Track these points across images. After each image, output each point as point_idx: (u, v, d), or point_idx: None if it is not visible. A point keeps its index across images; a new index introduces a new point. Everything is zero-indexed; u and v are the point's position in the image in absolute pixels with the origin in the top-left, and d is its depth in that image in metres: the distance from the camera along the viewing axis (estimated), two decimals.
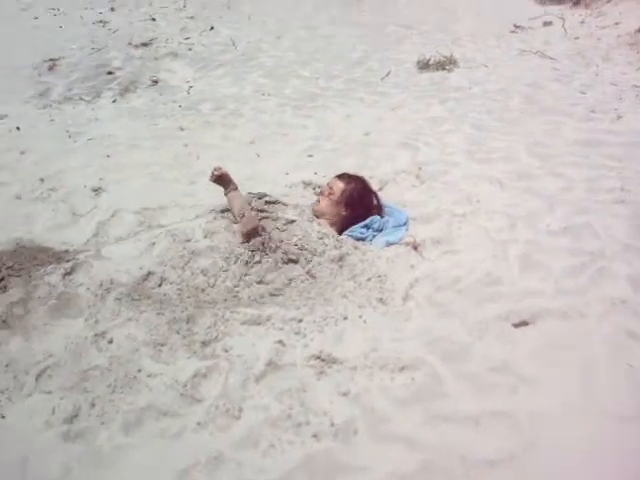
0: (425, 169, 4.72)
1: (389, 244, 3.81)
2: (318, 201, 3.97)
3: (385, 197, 4.29)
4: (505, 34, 8.23)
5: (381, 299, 3.37)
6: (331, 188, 3.93)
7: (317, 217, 3.86)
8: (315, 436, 2.61)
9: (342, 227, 3.89)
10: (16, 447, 2.63)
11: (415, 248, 3.78)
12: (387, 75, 6.81)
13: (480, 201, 4.29)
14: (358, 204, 3.91)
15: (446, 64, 6.98)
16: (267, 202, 3.88)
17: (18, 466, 2.55)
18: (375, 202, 4.04)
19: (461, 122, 5.58)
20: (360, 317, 3.25)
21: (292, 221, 3.71)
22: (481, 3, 9.75)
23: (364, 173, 4.56)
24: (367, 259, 3.64)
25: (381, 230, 3.92)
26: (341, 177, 4.00)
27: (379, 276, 3.52)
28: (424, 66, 6.98)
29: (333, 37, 8.31)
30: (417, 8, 9.52)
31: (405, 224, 4.01)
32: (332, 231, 3.78)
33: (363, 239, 3.84)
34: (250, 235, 3.50)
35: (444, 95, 6.25)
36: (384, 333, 3.15)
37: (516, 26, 8.42)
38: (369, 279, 3.49)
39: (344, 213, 3.88)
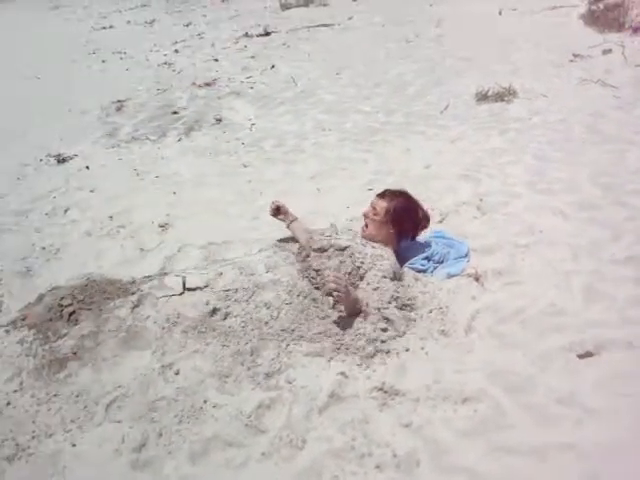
0: (486, 200, 4.71)
1: (450, 276, 3.81)
2: (366, 225, 3.91)
3: (446, 229, 4.30)
4: (564, 63, 8.16)
5: (443, 331, 3.38)
6: (374, 209, 3.87)
7: (365, 237, 3.86)
8: (378, 467, 2.63)
9: (394, 246, 3.87)
10: (86, 474, 2.73)
11: (477, 279, 3.77)
12: (446, 108, 6.84)
13: (543, 232, 4.25)
14: (405, 219, 3.87)
15: (505, 95, 6.96)
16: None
17: None
18: (421, 214, 3.99)
19: (522, 153, 5.55)
20: (422, 349, 3.26)
21: (346, 247, 3.73)
22: (539, 33, 9.69)
23: (425, 205, 4.59)
24: (428, 291, 3.65)
25: (442, 262, 3.93)
26: (382, 196, 3.93)
27: (440, 308, 3.53)
28: (483, 97, 6.97)
29: (392, 72, 8.39)
30: (475, 40, 9.53)
31: (466, 255, 4.01)
32: (389, 252, 3.79)
33: (424, 271, 3.85)
34: (353, 315, 3.40)
35: (504, 126, 6.23)
36: (446, 365, 3.14)
37: (575, 55, 8.34)
38: (431, 311, 3.50)
39: (392, 231, 3.85)
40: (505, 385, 3.00)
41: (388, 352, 3.21)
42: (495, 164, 5.38)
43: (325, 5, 13.31)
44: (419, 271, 3.83)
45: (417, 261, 3.88)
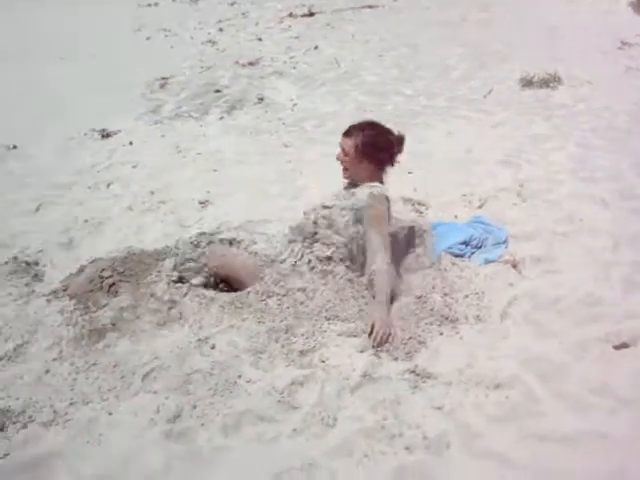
0: (527, 187, 4.67)
1: (488, 261, 3.79)
2: (345, 169, 3.71)
3: (485, 214, 4.27)
4: (611, 51, 8.01)
5: (478, 316, 3.36)
6: (343, 150, 3.66)
7: (355, 184, 3.71)
8: (408, 448, 2.63)
9: (380, 177, 3.71)
10: (121, 442, 2.77)
11: (514, 266, 3.75)
12: (489, 93, 6.77)
13: (583, 220, 4.21)
14: (377, 149, 3.63)
15: (550, 81, 6.86)
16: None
17: (123, 460, 2.69)
18: (392, 138, 3.71)
19: (565, 140, 5.48)
20: (457, 333, 3.25)
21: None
22: (586, 20, 9.53)
23: (465, 190, 4.58)
24: (465, 276, 3.64)
25: (480, 247, 3.91)
26: (347, 134, 3.67)
27: (477, 293, 3.52)
28: (527, 83, 6.89)
29: (435, 55, 8.32)
30: (521, 25, 9.40)
31: (505, 242, 3.98)
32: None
33: (461, 255, 3.84)
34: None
35: (547, 112, 6.15)
36: (480, 350, 3.13)
37: (623, 42, 8.18)
38: (467, 296, 3.49)
39: (370, 165, 3.65)
40: (539, 372, 2.97)
41: (424, 342, 3.20)
42: (537, 150, 5.33)
43: None
44: (457, 255, 3.82)
45: (455, 245, 3.87)
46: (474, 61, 7.92)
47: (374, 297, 3.37)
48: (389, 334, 3.20)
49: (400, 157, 3.77)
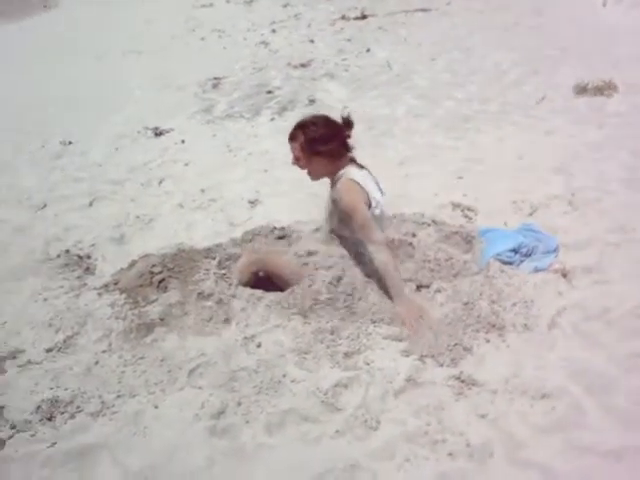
0: (578, 195, 4.59)
1: (537, 270, 3.75)
2: (308, 172, 3.63)
3: (536, 222, 4.22)
4: None
5: (526, 325, 3.32)
6: (294, 155, 3.57)
7: (315, 180, 3.67)
8: (450, 454, 2.62)
9: (339, 166, 3.56)
10: (166, 436, 2.84)
11: (564, 275, 3.69)
12: (542, 99, 6.68)
13: (636, 230, 4.12)
14: (323, 142, 3.47)
15: (605, 89, 6.73)
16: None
17: (167, 453, 2.75)
18: (334, 124, 3.54)
19: (619, 149, 5.37)
20: (503, 341, 3.22)
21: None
22: None
23: (515, 197, 4.54)
24: (513, 283, 3.61)
25: (529, 255, 3.86)
26: (290, 138, 3.57)
27: (525, 301, 3.48)
28: (581, 90, 6.77)
29: (488, 59, 8.24)
30: (576, 30, 9.24)
31: (555, 250, 3.93)
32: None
33: (510, 263, 3.80)
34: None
35: (602, 121, 6.04)
36: (527, 359, 3.10)
37: None
38: (514, 304, 3.45)
39: (323, 159, 3.51)
40: (586, 384, 2.93)
41: (469, 349, 3.18)
42: (590, 159, 5.23)
43: None
44: (505, 263, 3.78)
45: (504, 252, 3.82)
46: (527, 66, 7.82)
47: (389, 291, 3.41)
48: (420, 315, 3.29)
49: (352, 138, 3.64)
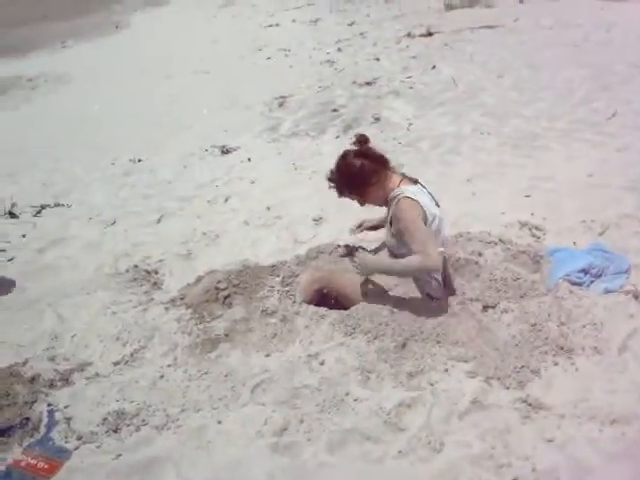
0: None
1: (608, 291, 3.65)
2: (369, 204, 3.64)
3: (606, 242, 4.11)
4: None
5: (596, 347, 3.23)
6: (355, 200, 3.62)
7: (381, 206, 3.61)
8: (516, 479, 2.57)
9: (387, 186, 3.47)
10: (229, 451, 2.87)
11: (636, 297, 3.58)
12: (613, 115, 6.52)
13: None
14: (358, 175, 3.43)
15: None
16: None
17: (229, 468, 2.78)
18: (350, 153, 3.51)
19: None
20: (572, 364, 3.14)
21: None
22: None
23: (585, 216, 4.44)
24: (583, 305, 3.52)
25: (600, 276, 3.77)
26: (338, 192, 3.59)
27: (595, 324, 3.38)
28: None
29: (556, 76, 8.09)
30: None
31: (626, 271, 3.81)
32: None
33: (580, 284, 3.71)
34: None
35: None
36: (596, 383, 3.02)
37: None
38: (584, 326, 3.36)
39: (370, 188, 3.47)
40: None
41: (537, 371, 3.11)
42: None
43: (490, 6, 13.02)
44: (575, 284, 3.69)
45: (574, 273, 3.74)
46: (597, 82, 7.64)
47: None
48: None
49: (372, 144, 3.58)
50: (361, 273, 3.49)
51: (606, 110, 6.69)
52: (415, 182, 3.54)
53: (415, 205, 3.33)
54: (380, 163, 3.49)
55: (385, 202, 3.54)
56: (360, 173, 3.43)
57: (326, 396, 3.04)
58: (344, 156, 3.53)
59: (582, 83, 7.70)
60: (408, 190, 3.40)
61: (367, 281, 3.54)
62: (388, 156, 3.57)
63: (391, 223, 3.48)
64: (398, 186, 3.45)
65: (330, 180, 3.56)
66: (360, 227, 3.97)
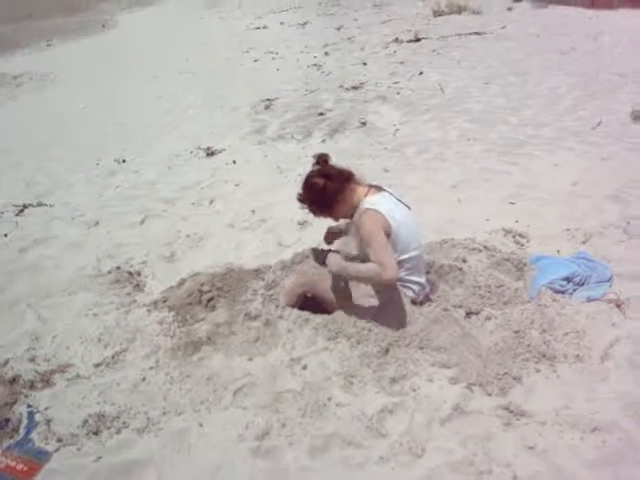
0: (634, 223, 4.48)
1: (590, 299, 3.66)
2: (334, 220, 3.69)
3: (590, 251, 4.13)
4: None
5: (577, 355, 3.24)
6: (318, 216, 3.65)
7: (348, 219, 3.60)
8: None
9: (352, 198, 3.46)
10: (210, 454, 2.85)
11: (618, 306, 3.59)
12: (598, 124, 6.57)
13: None
14: (322, 194, 3.44)
15: None
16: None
17: (210, 472, 2.76)
18: (315, 171, 3.51)
19: None
20: (554, 372, 3.14)
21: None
22: None
23: (569, 224, 4.46)
24: (565, 313, 3.52)
25: (583, 284, 3.78)
26: (307, 208, 3.61)
27: (577, 332, 3.39)
28: (638, 117, 6.63)
29: (543, 84, 8.15)
30: (634, 56, 9.08)
31: (609, 280, 3.83)
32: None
33: (563, 292, 3.72)
34: None
35: None
36: (578, 391, 3.02)
37: None
38: (566, 334, 3.37)
39: (334, 203, 3.47)
40: (639, 418, 2.83)
41: (519, 378, 3.11)
42: None
43: (478, 13, 13.11)
44: (558, 292, 3.70)
45: (557, 281, 3.75)
46: (584, 91, 7.70)
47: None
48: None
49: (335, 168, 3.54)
50: (329, 272, 3.49)
51: (592, 119, 6.74)
52: (379, 189, 3.53)
53: (374, 216, 3.32)
54: (342, 180, 3.48)
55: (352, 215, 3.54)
56: (323, 193, 3.45)
57: (308, 400, 3.03)
58: (307, 178, 3.54)
59: (569, 91, 7.76)
60: (370, 200, 3.40)
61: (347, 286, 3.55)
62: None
63: (355, 235, 3.48)
64: (364, 197, 3.44)
65: (300, 201, 3.58)
66: (329, 239, 3.89)
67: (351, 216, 3.50)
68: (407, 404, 2.98)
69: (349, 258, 3.49)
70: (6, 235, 5.30)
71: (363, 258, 3.40)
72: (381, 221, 3.31)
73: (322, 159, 3.53)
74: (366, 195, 3.45)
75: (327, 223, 3.75)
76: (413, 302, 3.48)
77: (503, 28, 11.54)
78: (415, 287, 3.49)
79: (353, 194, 3.47)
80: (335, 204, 3.46)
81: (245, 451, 2.83)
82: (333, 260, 3.45)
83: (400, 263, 3.35)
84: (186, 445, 2.90)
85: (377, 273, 3.16)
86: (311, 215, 3.62)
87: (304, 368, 3.23)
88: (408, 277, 3.46)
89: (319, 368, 3.22)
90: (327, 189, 3.43)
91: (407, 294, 3.48)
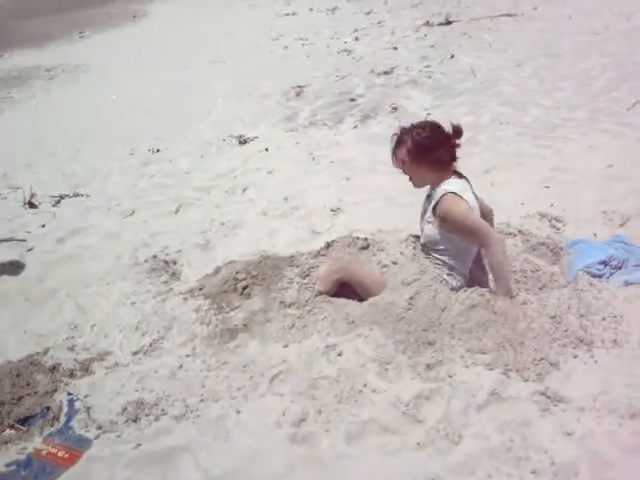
0: None
1: (628, 283, 3.61)
2: (410, 179, 3.58)
3: (628, 233, 4.07)
4: None
5: (615, 340, 3.20)
6: (400, 161, 3.49)
7: (432, 191, 3.55)
8: (534, 472, 2.55)
9: (446, 175, 3.47)
10: (247, 441, 2.88)
11: None
12: (634, 105, 6.45)
13: None
14: (430, 148, 3.40)
15: None
16: None
17: (248, 458, 2.79)
18: (444, 131, 3.44)
19: None
20: (592, 357, 3.11)
21: None
22: None
23: (606, 207, 4.39)
24: (603, 297, 3.48)
25: (620, 268, 3.73)
26: (397, 144, 3.48)
27: (615, 316, 3.34)
28: None
29: (577, 65, 8.00)
30: None
31: None
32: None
33: (600, 276, 3.67)
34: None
35: None
36: (616, 376, 2.98)
37: None
38: (604, 318, 3.33)
39: (429, 167, 3.44)
40: None
41: (556, 364, 3.08)
42: None
43: None
44: (594, 276, 3.66)
45: (593, 265, 3.70)
46: (618, 72, 7.54)
47: (497, 288, 3.39)
48: (517, 318, 3.26)
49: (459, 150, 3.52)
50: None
51: (627, 100, 6.61)
52: (461, 176, 3.55)
53: (460, 200, 3.36)
54: (449, 148, 3.45)
55: (431, 188, 3.56)
56: (436, 141, 3.40)
57: (344, 387, 3.04)
58: (436, 123, 3.50)
59: (602, 72, 7.61)
60: (454, 184, 3.43)
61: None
62: None
63: (434, 213, 3.47)
64: (449, 178, 3.46)
65: (402, 131, 3.49)
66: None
67: (429, 187, 3.55)
68: (443, 390, 2.97)
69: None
70: (44, 226, 5.39)
71: (433, 241, 3.48)
72: (465, 203, 3.37)
73: (459, 131, 3.47)
74: (451, 177, 3.48)
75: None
76: (453, 289, 3.48)
77: (535, 9, 11.35)
78: (462, 280, 3.53)
79: (446, 167, 3.49)
80: (430, 162, 3.43)
81: (282, 437, 2.85)
82: (504, 305, 3.35)
83: (468, 256, 3.50)
84: (223, 432, 2.93)
85: (498, 249, 3.29)
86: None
87: (339, 355, 3.24)
88: (460, 268, 3.52)
89: (354, 355, 3.22)
90: (440, 142, 3.41)
91: (451, 283, 3.49)
